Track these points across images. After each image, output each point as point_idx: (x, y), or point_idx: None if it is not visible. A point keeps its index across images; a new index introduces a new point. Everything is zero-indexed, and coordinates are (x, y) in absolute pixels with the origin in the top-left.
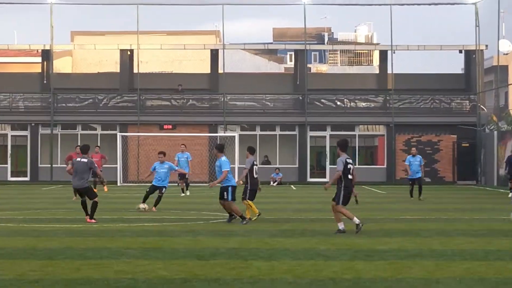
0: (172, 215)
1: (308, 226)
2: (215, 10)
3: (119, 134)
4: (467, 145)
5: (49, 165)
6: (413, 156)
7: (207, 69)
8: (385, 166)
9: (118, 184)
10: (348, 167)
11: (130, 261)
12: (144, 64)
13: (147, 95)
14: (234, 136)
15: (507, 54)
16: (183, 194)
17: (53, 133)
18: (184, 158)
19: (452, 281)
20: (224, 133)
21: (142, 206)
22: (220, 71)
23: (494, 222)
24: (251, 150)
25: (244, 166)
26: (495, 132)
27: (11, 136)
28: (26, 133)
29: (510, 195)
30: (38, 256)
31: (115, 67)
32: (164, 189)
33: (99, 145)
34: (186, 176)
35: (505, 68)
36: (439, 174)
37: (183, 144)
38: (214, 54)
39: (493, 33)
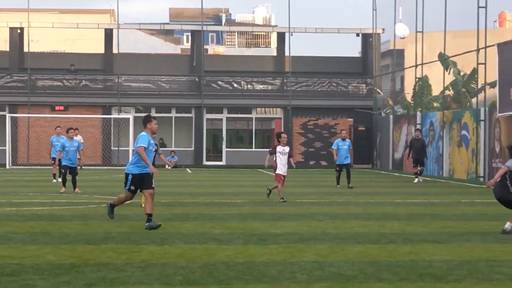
0: (63, 198)
1: (203, 210)
2: None
3: (8, 115)
4: (363, 128)
5: None
6: (343, 140)
7: (101, 49)
8: None
9: (7, 167)
10: None
11: (17, 246)
12: (35, 43)
13: (38, 75)
14: (128, 118)
15: (403, 38)
16: (54, 181)
17: None
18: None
19: (345, 264)
20: (118, 115)
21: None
22: (115, 51)
23: (388, 206)
24: None
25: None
26: (391, 116)
27: None
28: None
29: (415, 181)
30: None
31: (4, 46)
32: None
33: None
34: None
35: (401, 52)
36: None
37: (58, 126)
38: (109, 33)
39: (390, 17)
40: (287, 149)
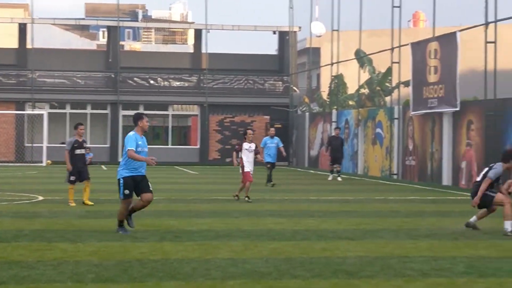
0: None
1: (115, 207)
2: None
3: None
4: (280, 126)
5: None
6: (271, 137)
7: (14, 44)
8: (198, 146)
9: None
10: None
11: None
12: None
13: None
14: (42, 114)
15: (319, 36)
16: None
17: None
18: None
19: (259, 260)
20: (32, 111)
21: None
22: (29, 46)
23: (303, 203)
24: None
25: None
26: (307, 114)
27: None
28: None
29: (330, 178)
30: None
31: None
32: None
33: None
34: None
35: (317, 50)
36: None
37: None
38: (22, 28)
39: (306, 15)
40: (253, 146)
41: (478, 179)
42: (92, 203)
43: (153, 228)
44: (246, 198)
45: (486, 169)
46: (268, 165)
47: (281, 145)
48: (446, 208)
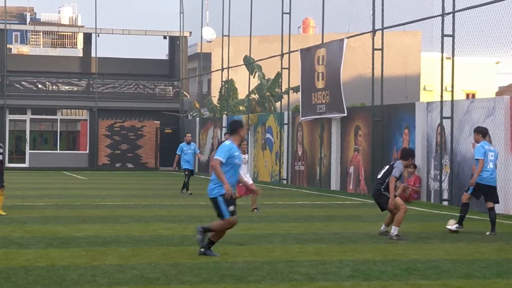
0: None
1: (2, 213)
2: None
3: None
4: (170, 131)
5: None
6: (188, 143)
7: None
8: (87, 151)
9: None
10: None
11: None
12: None
13: None
14: None
15: (210, 41)
16: None
17: None
18: None
19: (148, 266)
20: None
21: None
22: None
23: (193, 208)
24: None
25: None
26: (197, 119)
27: None
28: None
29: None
30: None
31: None
32: None
33: None
34: None
35: (208, 55)
36: (141, 160)
37: None
38: None
39: (197, 20)
40: (247, 157)
41: (379, 176)
42: (5, 213)
43: (40, 234)
44: (255, 210)
45: (387, 167)
46: (186, 172)
47: (198, 151)
48: (333, 213)
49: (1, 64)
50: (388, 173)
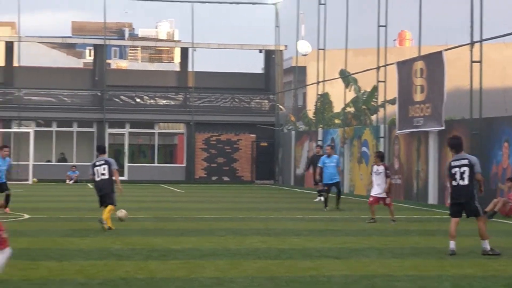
0: None
1: (97, 225)
2: (11, 0)
3: None
4: (266, 144)
5: None
6: (328, 156)
7: (1, 62)
8: (184, 164)
9: None
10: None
11: None
12: None
13: None
14: (28, 132)
15: (305, 55)
16: None
17: None
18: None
19: (245, 279)
20: (19, 129)
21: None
22: (16, 64)
23: (288, 221)
24: (100, 150)
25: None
26: (293, 132)
27: None
28: None
29: (317, 199)
30: None
31: None
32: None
33: None
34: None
35: (303, 69)
36: (237, 173)
37: (5, 146)
38: (9, 46)
39: (292, 34)
40: (381, 168)
41: (466, 183)
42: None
43: (139, 246)
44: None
45: (465, 169)
46: (326, 187)
47: (340, 165)
48: (431, 227)
49: (100, 79)
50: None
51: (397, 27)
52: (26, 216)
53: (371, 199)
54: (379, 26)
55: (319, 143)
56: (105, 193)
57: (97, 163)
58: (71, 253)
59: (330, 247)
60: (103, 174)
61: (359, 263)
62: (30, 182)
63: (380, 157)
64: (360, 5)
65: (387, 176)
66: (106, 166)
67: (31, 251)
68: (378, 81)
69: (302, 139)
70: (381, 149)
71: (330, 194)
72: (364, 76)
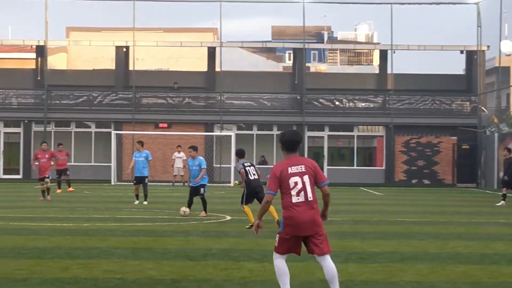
0: (165, 214)
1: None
2: (213, 7)
3: (113, 132)
4: (467, 147)
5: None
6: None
7: (203, 67)
8: (383, 167)
9: (112, 183)
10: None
11: (120, 261)
12: (140, 61)
13: (143, 93)
14: (230, 136)
15: (509, 55)
16: (136, 202)
17: (46, 131)
18: (142, 157)
19: (446, 284)
20: (220, 132)
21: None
22: (217, 69)
23: (492, 226)
24: (239, 154)
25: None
26: (496, 134)
27: (4, 133)
28: (19, 130)
29: (500, 203)
30: (27, 255)
31: (110, 64)
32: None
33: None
34: (146, 181)
35: (506, 69)
36: (438, 176)
37: (139, 141)
38: (211, 52)
39: (495, 33)
40: None
41: None
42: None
43: (338, 249)
44: None
45: None
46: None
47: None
48: None
49: (300, 82)
50: None
51: None
52: (228, 217)
53: None
54: None
55: (510, 146)
56: (261, 191)
57: (246, 164)
58: (272, 254)
59: None
60: (254, 174)
61: None
62: (231, 184)
63: None
64: None
65: None
66: (253, 168)
67: (234, 251)
68: None
69: (506, 141)
70: None
71: None
72: None
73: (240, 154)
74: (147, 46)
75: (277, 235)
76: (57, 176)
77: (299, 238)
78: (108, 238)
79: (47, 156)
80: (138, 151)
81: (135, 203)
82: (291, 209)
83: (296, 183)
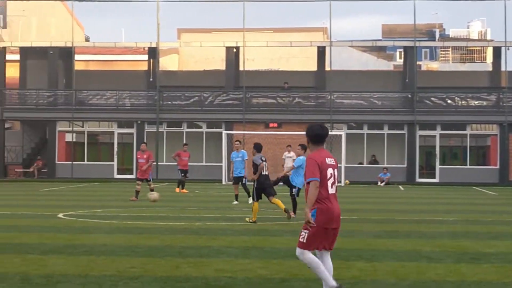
0: (276, 214)
1: (413, 228)
2: (322, 7)
3: (224, 132)
4: None
5: (155, 163)
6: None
7: (313, 67)
8: (497, 166)
9: (223, 182)
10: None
11: (230, 259)
12: (250, 62)
13: (253, 93)
14: (340, 135)
15: None
16: (235, 202)
17: (159, 131)
18: (239, 158)
19: None
20: (331, 131)
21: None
22: (327, 68)
23: None
24: (257, 148)
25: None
26: None
27: (118, 133)
28: (132, 130)
29: None
30: (139, 253)
31: (221, 65)
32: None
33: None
34: (243, 181)
35: None
36: None
37: (237, 141)
38: (321, 51)
39: None
40: None
41: None
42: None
43: (450, 249)
44: None
45: None
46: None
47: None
48: None
49: (411, 81)
50: None
51: None
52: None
53: None
54: None
55: None
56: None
57: (263, 158)
58: (381, 254)
59: None
60: (266, 170)
61: None
62: (342, 184)
63: None
64: None
65: None
66: (266, 163)
67: (343, 251)
68: None
69: None
70: None
71: None
72: None
73: (258, 148)
74: (257, 46)
75: (304, 231)
76: (182, 175)
77: (328, 231)
78: (218, 237)
79: (145, 156)
80: (236, 150)
81: (233, 203)
82: (327, 200)
83: (331, 175)
